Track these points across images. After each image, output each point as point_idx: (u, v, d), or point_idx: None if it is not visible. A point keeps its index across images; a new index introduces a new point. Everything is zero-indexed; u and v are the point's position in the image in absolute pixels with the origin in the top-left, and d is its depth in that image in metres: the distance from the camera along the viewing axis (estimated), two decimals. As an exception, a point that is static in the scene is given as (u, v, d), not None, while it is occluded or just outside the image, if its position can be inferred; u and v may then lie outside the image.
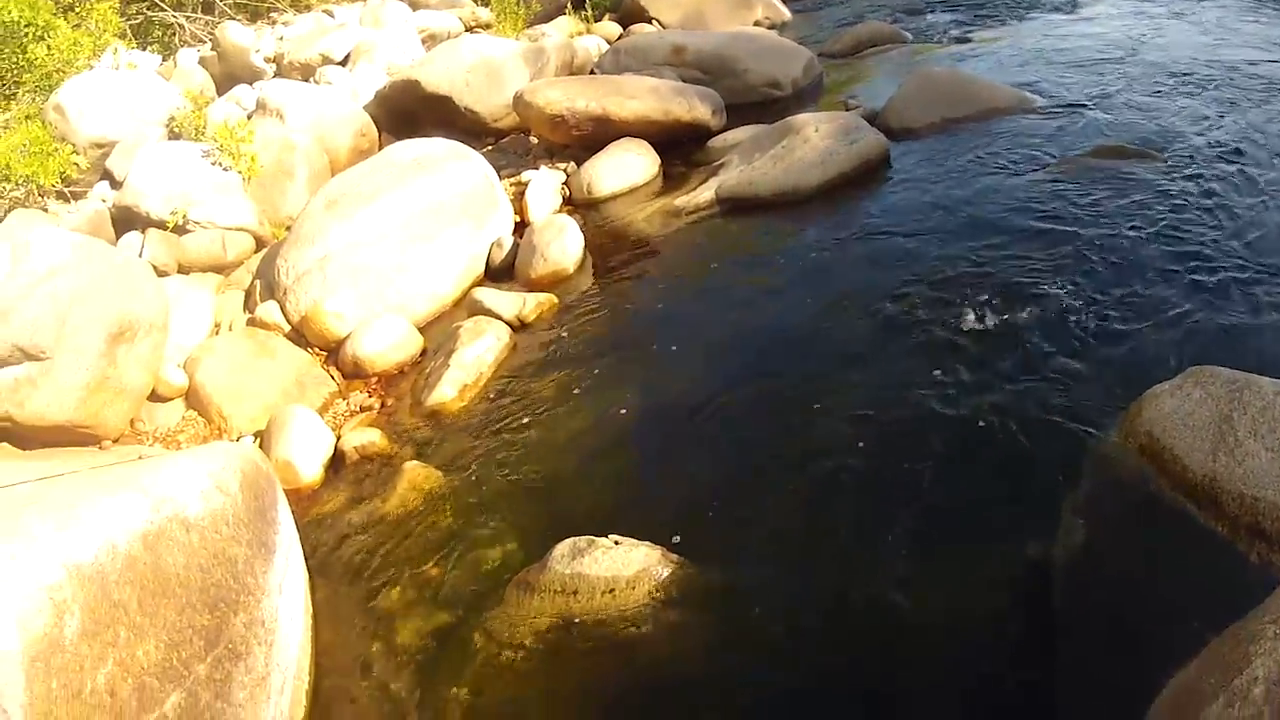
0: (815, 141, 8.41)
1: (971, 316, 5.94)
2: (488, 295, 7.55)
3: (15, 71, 10.56)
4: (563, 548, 4.71)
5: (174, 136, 9.73)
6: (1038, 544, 4.33)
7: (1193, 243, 6.33)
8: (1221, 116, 8.39)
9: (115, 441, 6.50)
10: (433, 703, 4.32)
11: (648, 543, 4.70)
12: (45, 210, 8.96)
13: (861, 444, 5.18)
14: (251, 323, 7.66)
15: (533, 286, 7.81)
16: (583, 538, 4.72)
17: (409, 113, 10.81)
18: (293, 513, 5.25)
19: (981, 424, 5.10)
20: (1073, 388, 5.22)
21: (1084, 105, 9.12)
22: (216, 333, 7.71)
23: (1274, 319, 5.47)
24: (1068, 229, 6.77)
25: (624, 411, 6.00)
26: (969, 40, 12.33)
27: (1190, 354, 5.21)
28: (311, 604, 4.98)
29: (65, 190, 9.27)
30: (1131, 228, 6.64)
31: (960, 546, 4.46)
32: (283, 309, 7.51)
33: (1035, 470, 4.75)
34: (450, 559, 5.10)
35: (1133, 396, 4.78)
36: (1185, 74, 9.62)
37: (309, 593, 5.02)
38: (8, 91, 10.54)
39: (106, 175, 9.48)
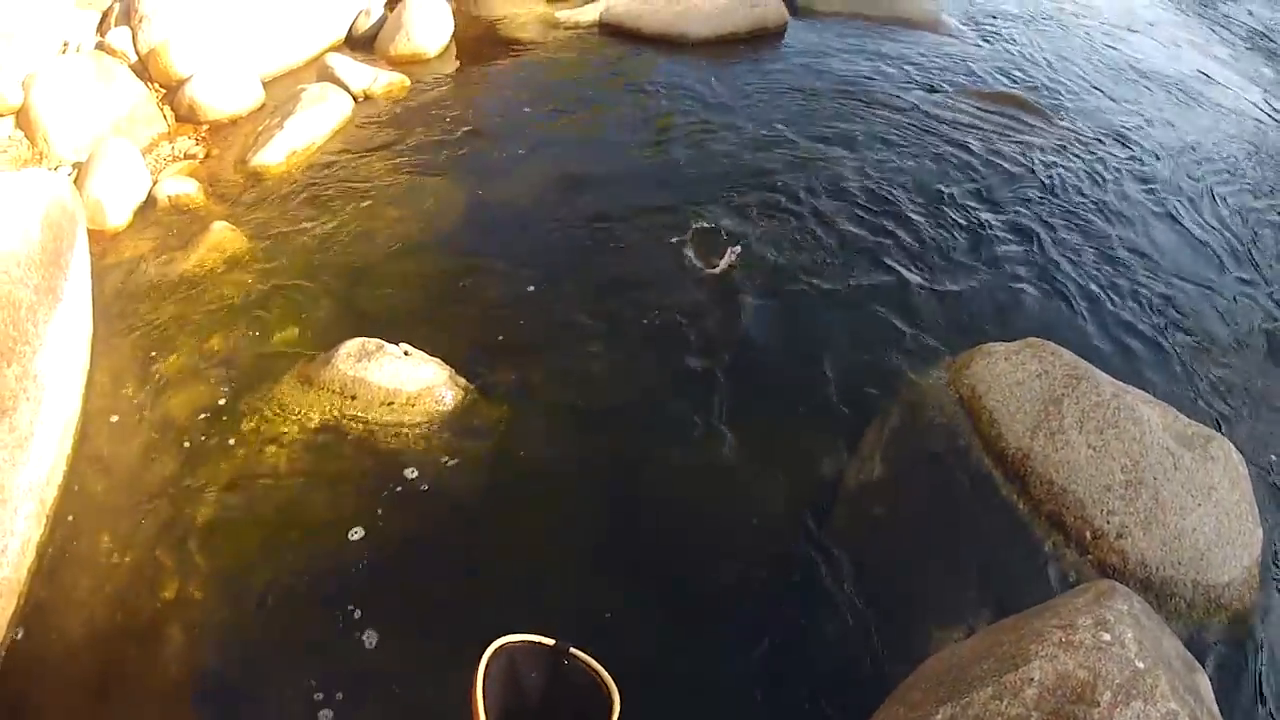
0: (717, -7, 7.95)
1: (826, 201, 5.74)
2: (340, 62, 7.05)
3: None
4: (350, 346, 4.36)
5: None
6: (833, 463, 4.14)
7: (1064, 214, 5.98)
8: (1141, 101, 7.82)
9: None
10: (189, 486, 4.01)
11: (439, 360, 4.39)
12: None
13: (690, 303, 4.96)
14: (100, 46, 6.90)
15: (390, 63, 7.38)
16: (373, 340, 4.39)
17: None
18: (91, 257, 4.85)
19: (806, 320, 4.89)
20: (906, 315, 4.96)
21: (997, 40, 8.53)
22: (65, 52, 6.92)
23: (1113, 308, 5.20)
24: (945, 159, 6.40)
25: (449, 212, 5.65)
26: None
27: (1023, 322, 4.97)
28: (89, 360, 4.58)
29: None
30: (1006, 180, 6.25)
31: (755, 439, 4.25)
32: (134, 37, 6.80)
33: (849, 383, 4.52)
34: (237, 333, 4.74)
35: (964, 342, 4.61)
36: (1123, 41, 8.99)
37: (90, 348, 4.62)
38: None
39: None
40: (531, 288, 5.02)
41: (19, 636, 3.48)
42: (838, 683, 3.36)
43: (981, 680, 2.65)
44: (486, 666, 2.41)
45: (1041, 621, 2.84)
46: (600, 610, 3.50)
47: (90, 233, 5.06)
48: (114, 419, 4.34)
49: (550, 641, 2.55)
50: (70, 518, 3.91)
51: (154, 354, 4.62)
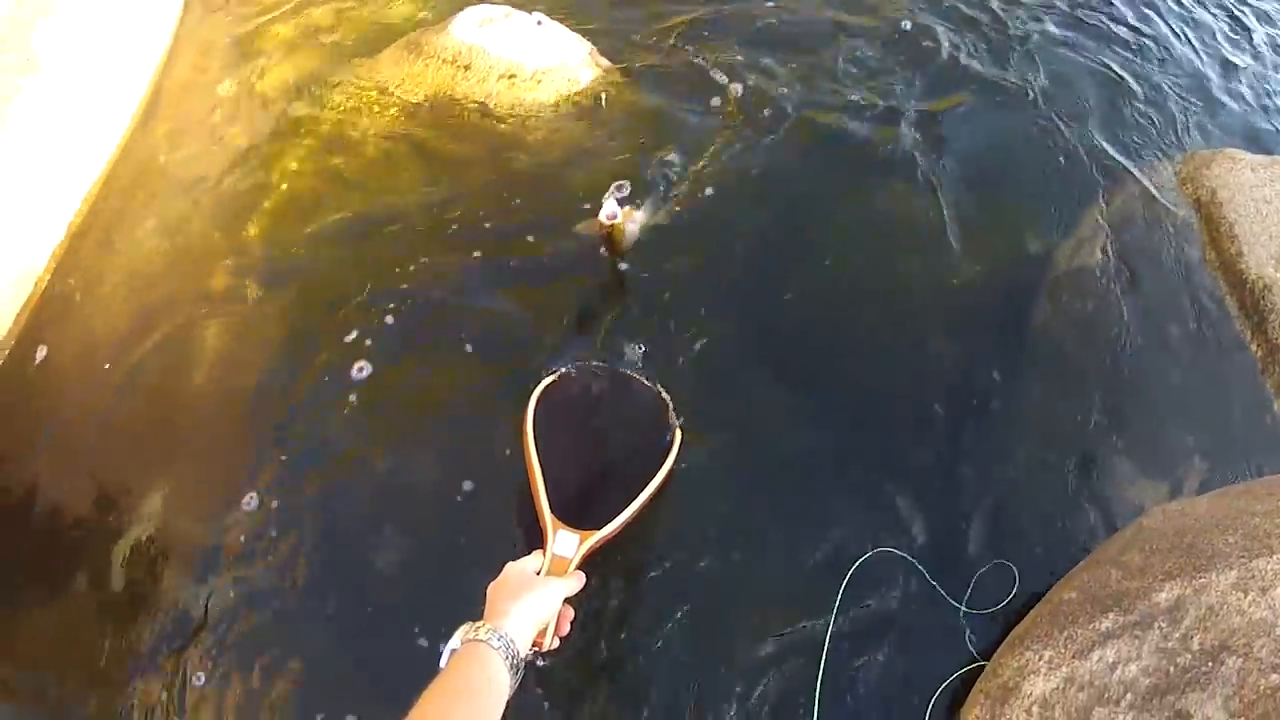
0: None
1: None
2: None
3: None
4: (472, 12, 3.57)
5: None
6: (1043, 242, 3.24)
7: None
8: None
9: None
10: (260, 163, 3.32)
11: (581, 36, 3.55)
12: None
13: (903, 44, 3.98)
14: None
15: None
16: (501, 6, 3.59)
17: None
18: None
19: (1021, 79, 3.91)
20: (1131, 96, 3.98)
21: None
22: None
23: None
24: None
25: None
26: None
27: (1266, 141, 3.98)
28: (173, 38, 3.91)
29: None
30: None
31: (959, 192, 3.36)
32: None
33: (1069, 153, 3.60)
34: (350, 5, 3.98)
35: (1191, 145, 3.77)
36: None
37: (178, 23, 3.97)
38: None
39: None
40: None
41: (37, 330, 2.87)
42: (1026, 516, 2.52)
43: (1225, 558, 1.98)
44: (538, 401, 2.30)
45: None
46: (747, 369, 2.75)
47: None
48: (189, 94, 3.65)
49: (601, 365, 2.46)
50: (114, 196, 3.25)
51: (257, 28, 3.92)
